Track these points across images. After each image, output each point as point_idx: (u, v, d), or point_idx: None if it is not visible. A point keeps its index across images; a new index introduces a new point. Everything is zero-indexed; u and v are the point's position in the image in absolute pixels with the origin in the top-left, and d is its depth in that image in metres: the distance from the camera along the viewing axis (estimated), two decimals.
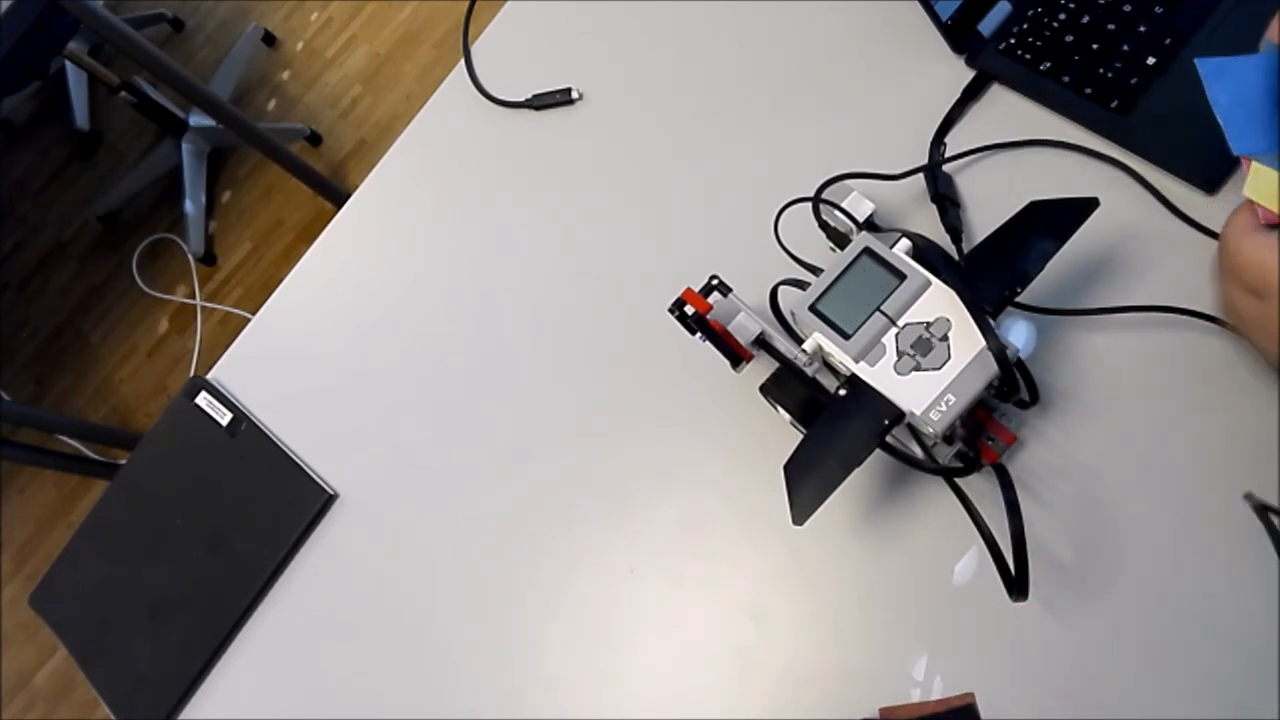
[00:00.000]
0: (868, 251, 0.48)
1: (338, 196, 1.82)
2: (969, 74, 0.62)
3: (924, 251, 0.47)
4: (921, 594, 0.53)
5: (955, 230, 0.57)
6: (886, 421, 0.46)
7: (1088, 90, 0.58)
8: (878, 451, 0.48)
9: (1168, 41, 0.56)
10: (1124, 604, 0.49)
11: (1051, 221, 0.48)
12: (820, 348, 0.48)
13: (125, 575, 0.73)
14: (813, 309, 0.48)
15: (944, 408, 0.44)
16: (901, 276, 0.47)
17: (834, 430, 0.48)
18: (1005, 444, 0.50)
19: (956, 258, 0.56)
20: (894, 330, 0.47)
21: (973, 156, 0.59)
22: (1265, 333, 0.44)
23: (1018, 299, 0.48)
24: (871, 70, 0.65)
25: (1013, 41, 0.61)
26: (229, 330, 1.96)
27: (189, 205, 2.00)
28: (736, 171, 0.66)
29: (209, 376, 0.77)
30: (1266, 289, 0.43)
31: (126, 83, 1.88)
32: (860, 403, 0.47)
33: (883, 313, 0.47)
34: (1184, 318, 0.51)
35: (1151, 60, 0.56)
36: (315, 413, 0.73)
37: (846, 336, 0.47)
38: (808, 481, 0.47)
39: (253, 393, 0.76)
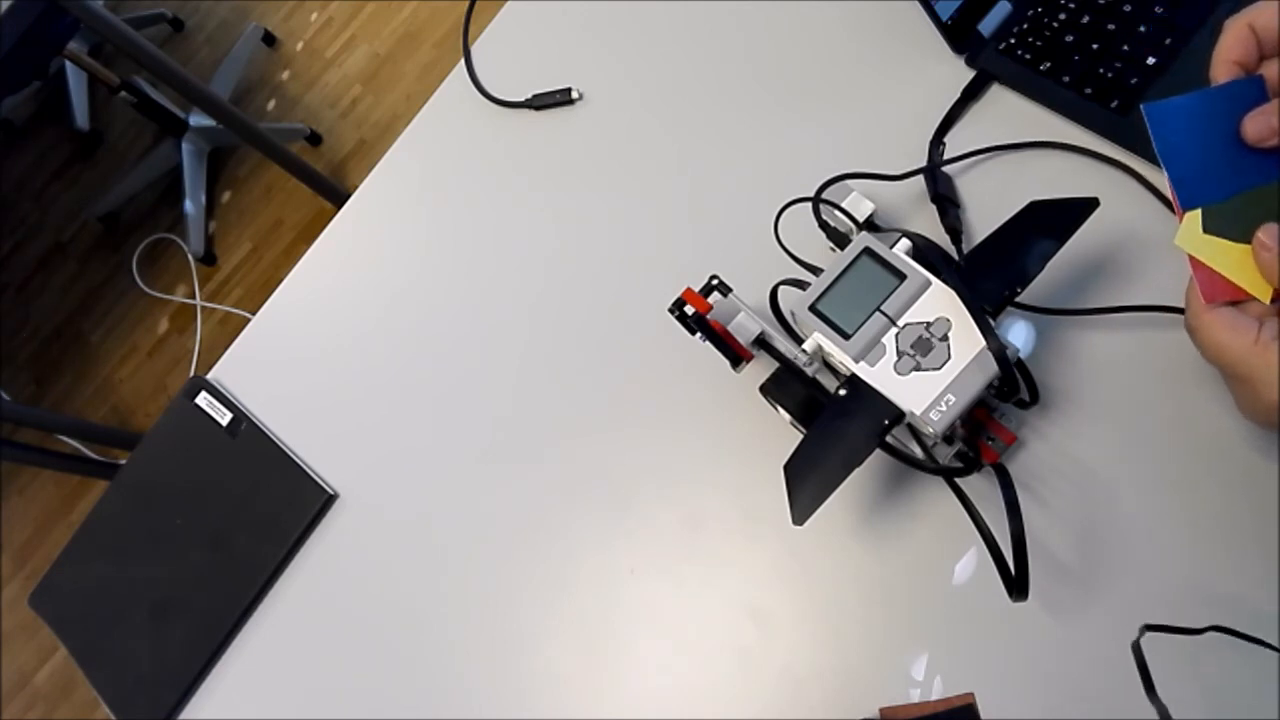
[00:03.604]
0: (868, 251, 0.48)
1: (338, 196, 1.82)
2: (969, 74, 0.62)
3: (924, 251, 0.47)
4: (921, 594, 0.53)
5: (955, 230, 0.57)
6: (886, 421, 0.46)
7: (1088, 90, 0.58)
8: (878, 451, 0.48)
9: (1168, 41, 0.56)
10: (1124, 604, 0.49)
11: (1051, 222, 0.48)
12: (820, 348, 0.48)
13: (125, 575, 0.73)
14: (813, 309, 0.48)
15: (944, 408, 0.44)
16: (901, 276, 0.47)
17: (834, 430, 0.47)
18: (1005, 444, 0.50)
19: (956, 258, 0.56)
20: (894, 330, 0.47)
21: (973, 157, 0.59)
22: (1252, 412, 0.41)
23: (1018, 299, 0.48)
24: (871, 70, 0.65)
25: (1013, 41, 0.61)
26: (229, 330, 1.96)
27: (189, 205, 2.00)
28: (736, 171, 0.66)
29: (209, 376, 0.77)
30: (1226, 371, 0.40)
31: (126, 83, 1.88)
32: (860, 403, 0.47)
33: (883, 313, 0.47)
34: (1184, 317, 0.51)
35: (1151, 60, 0.56)
36: (315, 413, 0.73)
37: (846, 336, 0.47)
38: (808, 481, 0.47)
39: (253, 393, 0.76)
